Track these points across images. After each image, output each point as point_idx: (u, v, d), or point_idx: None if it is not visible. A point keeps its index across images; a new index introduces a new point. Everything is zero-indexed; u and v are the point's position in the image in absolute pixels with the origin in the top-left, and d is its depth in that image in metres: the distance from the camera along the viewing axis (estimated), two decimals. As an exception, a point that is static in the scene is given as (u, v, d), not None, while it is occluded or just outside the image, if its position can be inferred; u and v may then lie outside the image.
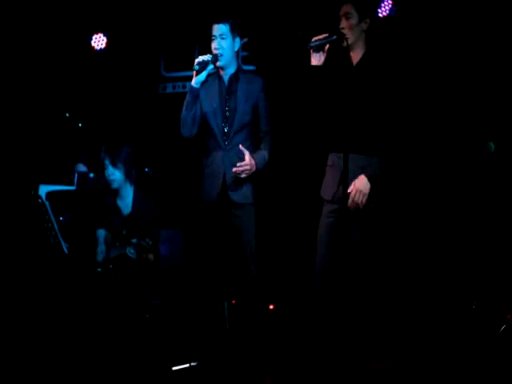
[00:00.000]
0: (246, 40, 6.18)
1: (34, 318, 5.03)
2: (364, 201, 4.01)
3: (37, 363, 4.61)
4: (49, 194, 5.55)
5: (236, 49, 4.59)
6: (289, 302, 5.70)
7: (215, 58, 4.48)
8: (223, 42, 4.50)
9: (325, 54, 4.08)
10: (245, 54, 6.43)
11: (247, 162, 4.39)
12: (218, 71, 4.61)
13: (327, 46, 4.06)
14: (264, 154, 4.56)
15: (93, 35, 6.79)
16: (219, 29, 4.50)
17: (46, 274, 5.13)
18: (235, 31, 4.54)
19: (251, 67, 6.31)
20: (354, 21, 4.12)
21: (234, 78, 4.60)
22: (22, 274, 5.24)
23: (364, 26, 4.15)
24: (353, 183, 4.01)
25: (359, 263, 4.05)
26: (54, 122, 6.68)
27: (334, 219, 4.14)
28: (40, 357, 4.69)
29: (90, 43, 6.80)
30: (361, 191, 4.00)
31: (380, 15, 5.63)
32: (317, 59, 4.09)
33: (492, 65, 5.27)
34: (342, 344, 3.95)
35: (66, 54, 6.76)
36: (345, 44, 4.06)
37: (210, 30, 4.53)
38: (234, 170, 4.39)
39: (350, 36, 4.08)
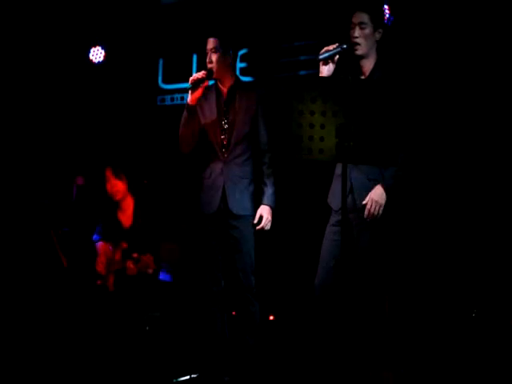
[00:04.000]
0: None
1: (34, 330, 5.03)
2: (380, 212, 3.95)
3: (37, 373, 4.62)
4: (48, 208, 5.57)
5: (230, 61, 4.59)
6: (289, 313, 5.69)
7: (210, 73, 4.49)
8: (214, 56, 4.49)
9: (334, 65, 3.97)
10: (243, 65, 6.46)
11: (263, 225, 4.53)
12: (217, 83, 4.62)
13: (337, 56, 3.96)
14: (270, 190, 4.59)
15: (91, 48, 6.82)
16: (211, 43, 4.50)
17: (46, 286, 5.13)
18: (227, 44, 4.53)
19: (249, 78, 6.33)
20: (368, 31, 4.02)
21: (233, 89, 4.61)
22: (23, 288, 5.24)
23: (377, 35, 4.06)
24: (369, 194, 3.95)
25: (363, 272, 4.03)
26: (52, 136, 6.70)
27: (340, 229, 4.10)
28: (40, 368, 4.69)
29: (88, 56, 6.83)
30: (377, 201, 3.94)
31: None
32: (326, 70, 3.97)
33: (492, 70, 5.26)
34: (343, 354, 3.94)
35: (65, 67, 6.79)
36: (357, 53, 3.99)
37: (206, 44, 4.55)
38: (258, 228, 4.52)
39: (364, 46, 4.01)
